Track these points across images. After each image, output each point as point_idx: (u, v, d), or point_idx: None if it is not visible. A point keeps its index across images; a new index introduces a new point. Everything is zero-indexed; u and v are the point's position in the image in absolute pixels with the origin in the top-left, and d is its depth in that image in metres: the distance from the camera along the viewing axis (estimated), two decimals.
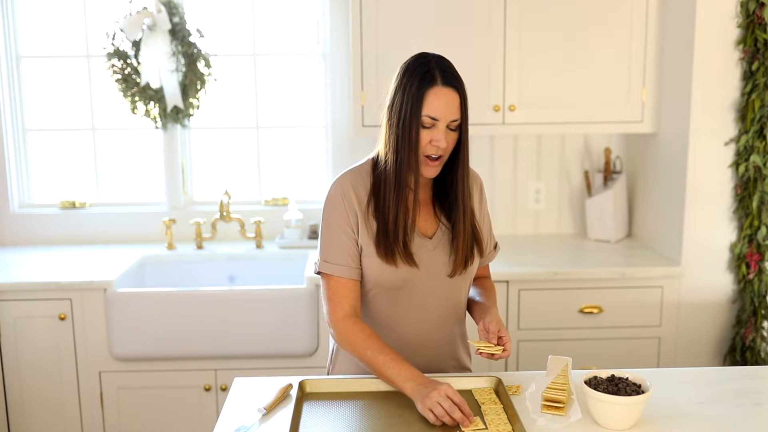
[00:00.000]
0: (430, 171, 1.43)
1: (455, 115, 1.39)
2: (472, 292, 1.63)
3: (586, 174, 2.91)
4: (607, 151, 2.84)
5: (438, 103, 1.37)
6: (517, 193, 2.96)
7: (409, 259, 1.44)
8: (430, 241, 1.48)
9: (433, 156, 1.40)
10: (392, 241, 1.42)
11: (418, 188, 1.44)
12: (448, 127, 1.39)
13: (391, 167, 1.42)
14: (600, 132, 2.72)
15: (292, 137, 3.01)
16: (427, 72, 1.37)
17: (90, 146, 2.98)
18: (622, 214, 2.84)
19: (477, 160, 2.90)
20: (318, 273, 1.49)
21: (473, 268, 1.53)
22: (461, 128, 1.41)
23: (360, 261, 1.46)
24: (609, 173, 2.85)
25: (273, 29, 2.92)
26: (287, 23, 2.92)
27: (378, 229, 1.44)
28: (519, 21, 2.54)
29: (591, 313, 2.46)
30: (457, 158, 1.45)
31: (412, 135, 1.38)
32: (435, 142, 1.39)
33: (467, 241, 1.48)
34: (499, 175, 2.94)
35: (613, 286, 2.45)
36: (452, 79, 1.39)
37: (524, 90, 2.57)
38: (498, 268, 2.45)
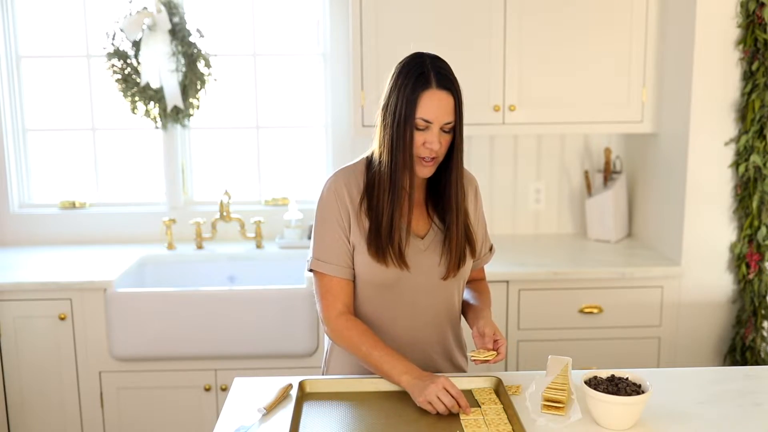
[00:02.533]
0: (425, 171, 1.43)
1: (449, 117, 1.39)
2: (467, 295, 1.62)
3: (586, 174, 2.90)
4: (607, 151, 2.84)
5: (432, 105, 1.37)
6: (517, 193, 2.96)
7: (401, 260, 1.44)
8: (421, 240, 1.48)
9: (427, 157, 1.41)
10: (385, 241, 1.42)
11: (413, 190, 1.44)
12: (441, 129, 1.39)
13: (385, 168, 1.42)
14: (600, 132, 2.72)
15: (292, 137, 3.00)
16: (421, 74, 1.37)
17: (90, 146, 2.97)
18: (622, 213, 2.84)
19: (476, 160, 2.90)
20: (310, 270, 1.50)
21: (465, 270, 1.52)
22: (455, 130, 1.41)
23: (350, 260, 1.47)
24: (609, 173, 2.85)
25: (273, 29, 2.92)
26: (287, 23, 2.91)
27: (370, 227, 1.44)
28: (519, 21, 2.54)
29: (591, 313, 2.46)
30: (450, 160, 1.45)
31: (407, 137, 1.38)
32: (428, 144, 1.39)
33: (460, 243, 1.47)
34: (499, 175, 2.94)
35: (613, 286, 2.45)
36: (447, 82, 1.38)
37: (524, 90, 2.57)
38: (498, 268, 2.44)
